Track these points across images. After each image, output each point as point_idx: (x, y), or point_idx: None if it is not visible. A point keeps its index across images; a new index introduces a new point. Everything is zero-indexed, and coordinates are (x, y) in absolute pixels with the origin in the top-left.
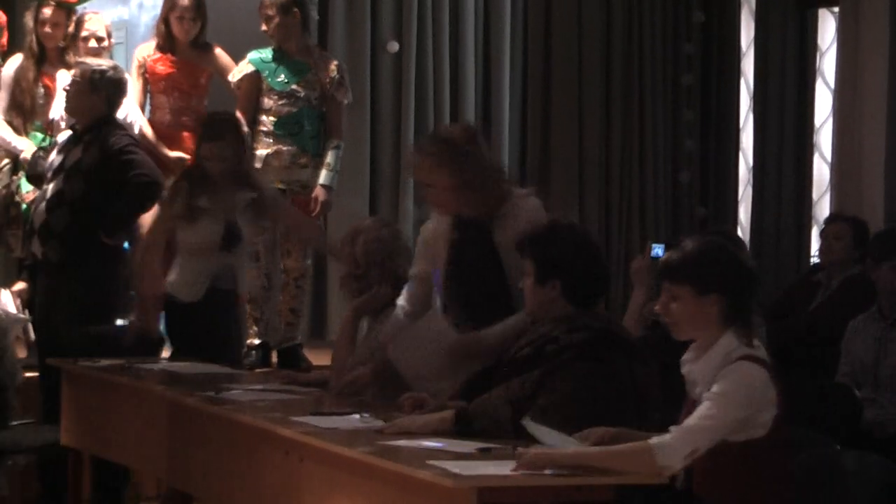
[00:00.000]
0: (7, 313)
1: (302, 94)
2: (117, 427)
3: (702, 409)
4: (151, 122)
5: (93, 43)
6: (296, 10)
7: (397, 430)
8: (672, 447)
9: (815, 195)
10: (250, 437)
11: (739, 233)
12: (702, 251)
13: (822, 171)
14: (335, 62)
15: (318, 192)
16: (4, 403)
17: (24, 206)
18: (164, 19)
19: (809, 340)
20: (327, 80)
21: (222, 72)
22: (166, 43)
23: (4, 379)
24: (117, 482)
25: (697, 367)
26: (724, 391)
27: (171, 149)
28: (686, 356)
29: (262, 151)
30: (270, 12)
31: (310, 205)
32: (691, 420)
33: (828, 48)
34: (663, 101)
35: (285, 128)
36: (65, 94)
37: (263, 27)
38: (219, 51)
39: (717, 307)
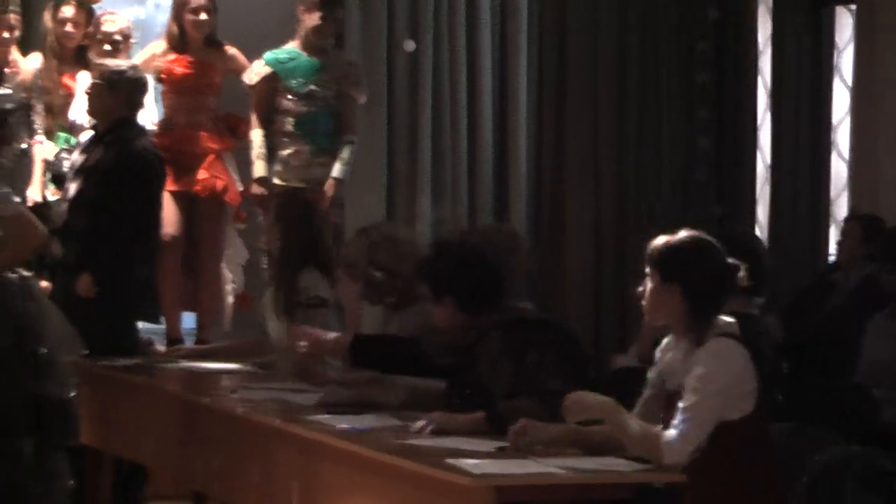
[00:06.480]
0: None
1: (319, 94)
2: (134, 426)
3: (692, 400)
4: (168, 122)
5: (107, 46)
6: (339, 15)
7: (433, 428)
8: (678, 447)
9: (832, 193)
10: (266, 436)
11: (756, 231)
12: (677, 243)
13: (839, 169)
14: (350, 60)
15: (329, 185)
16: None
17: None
18: (177, 19)
19: (826, 339)
20: (342, 78)
21: (239, 72)
22: (180, 44)
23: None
24: (135, 481)
25: (673, 356)
26: (704, 373)
27: (190, 148)
28: (662, 347)
29: (281, 152)
30: (332, 14)
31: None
32: (687, 413)
33: (845, 46)
34: (678, 100)
35: (303, 127)
36: (86, 99)
37: (322, 22)
38: (234, 51)
39: (679, 297)
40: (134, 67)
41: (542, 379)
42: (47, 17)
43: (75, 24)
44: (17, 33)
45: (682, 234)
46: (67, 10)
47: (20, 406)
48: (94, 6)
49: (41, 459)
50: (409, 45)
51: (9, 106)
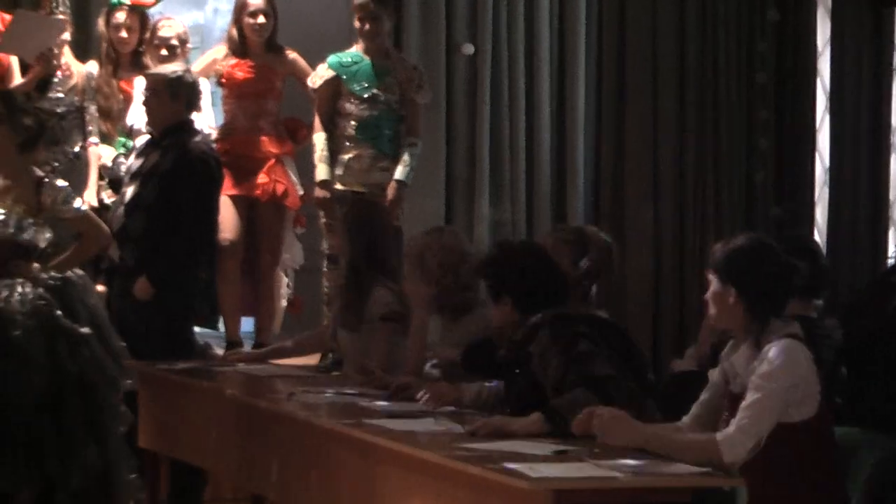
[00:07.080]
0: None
1: (382, 98)
2: (193, 429)
3: (753, 398)
4: (228, 127)
5: (164, 52)
6: (392, 13)
7: (490, 431)
8: (737, 442)
9: (891, 195)
10: (325, 439)
11: (815, 234)
12: (736, 245)
13: None
14: (413, 64)
15: (391, 188)
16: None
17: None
18: (237, 23)
19: (886, 342)
20: (406, 82)
21: (300, 76)
22: (240, 48)
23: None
24: (194, 484)
25: (736, 358)
26: (768, 371)
27: (250, 153)
28: (726, 350)
29: (343, 156)
30: (369, 13)
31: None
32: (748, 411)
33: None
34: (738, 101)
35: (366, 132)
36: (144, 107)
37: (360, 25)
38: (295, 55)
39: (737, 299)
40: (188, 70)
41: (592, 366)
42: (101, 24)
43: (129, 29)
44: (66, 35)
45: (742, 237)
46: (120, 16)
47: (115, 398)
48: (151, 11)
49: (125, 447)
50: (468, 49)
51: (60, 109)
